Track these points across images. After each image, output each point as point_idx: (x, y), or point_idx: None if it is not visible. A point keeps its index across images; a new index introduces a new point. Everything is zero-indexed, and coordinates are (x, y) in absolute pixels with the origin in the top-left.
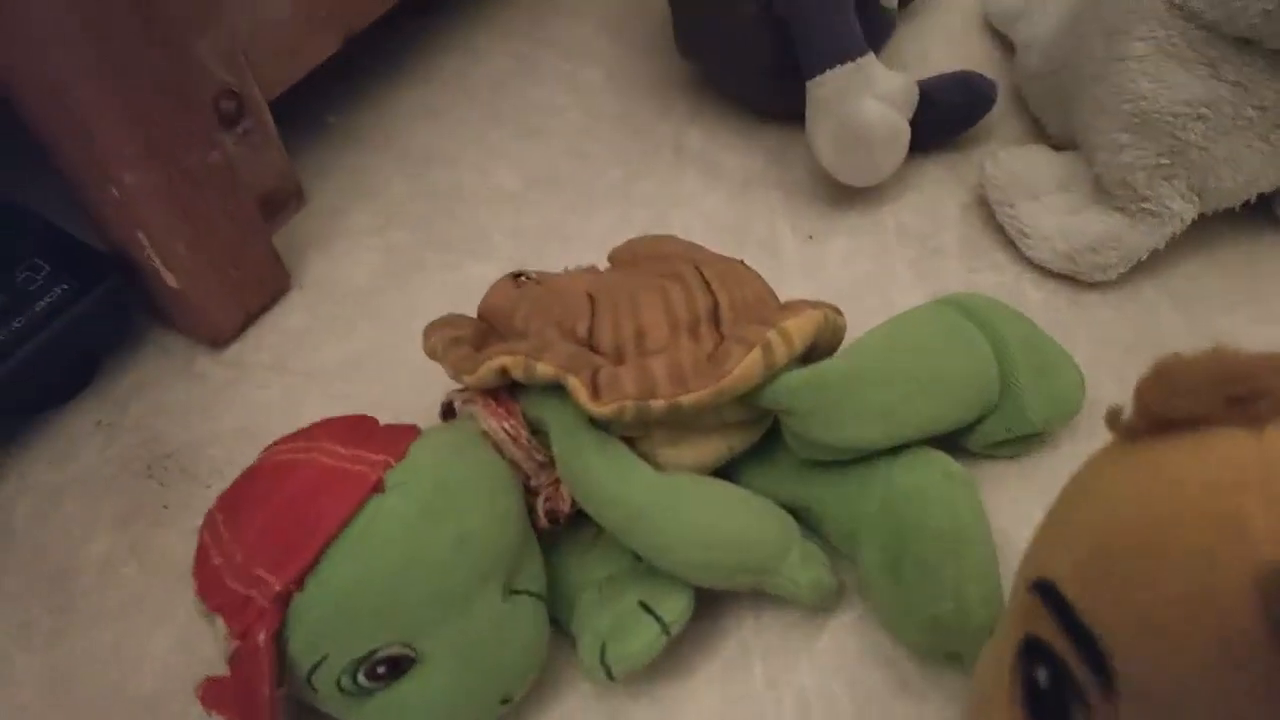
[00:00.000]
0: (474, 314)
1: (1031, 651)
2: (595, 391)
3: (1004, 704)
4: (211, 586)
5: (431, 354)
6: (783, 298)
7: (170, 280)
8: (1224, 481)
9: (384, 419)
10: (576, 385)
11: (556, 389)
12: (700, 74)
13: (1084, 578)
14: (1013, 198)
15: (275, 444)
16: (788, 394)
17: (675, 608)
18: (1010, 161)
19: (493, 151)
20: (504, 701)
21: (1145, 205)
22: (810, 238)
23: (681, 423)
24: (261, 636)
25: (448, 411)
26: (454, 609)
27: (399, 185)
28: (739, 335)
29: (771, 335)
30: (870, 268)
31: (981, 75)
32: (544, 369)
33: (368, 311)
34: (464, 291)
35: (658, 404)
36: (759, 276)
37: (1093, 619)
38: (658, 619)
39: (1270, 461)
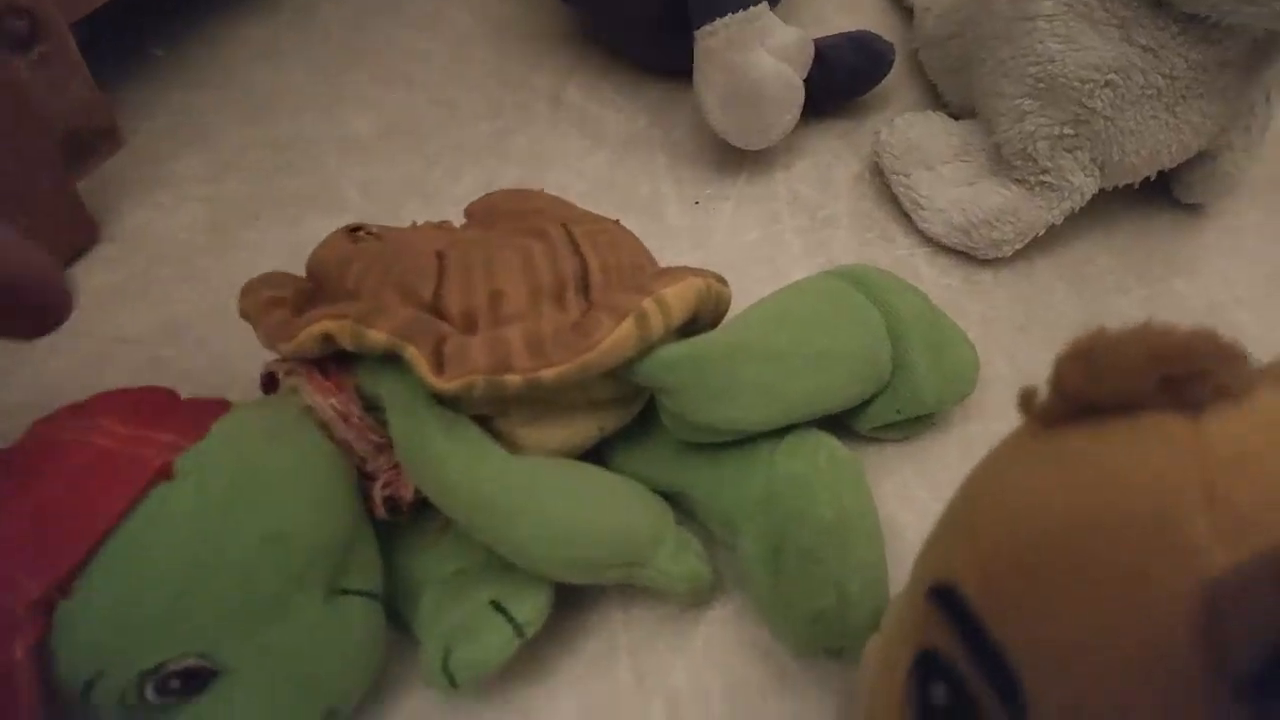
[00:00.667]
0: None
1: (927, 665)
2: (439, 364)
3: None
4: None
5: (245, 316)
6: (664, 265)
7: None
8: (1158, 477)
9: (203, 395)
10: (416, 356)
11: (395, 360)
12: (582, 23)
13: (992, 585)
14: (908, 167)
15: (44, 420)
16: (664, 369)
17: (531, 607)
18: (906, 129)
19: (345, 96)
20: (328, 715)
21: (1045, 178)
22: (696, 203)
23: (543, 400)
24: (18, 651)
25: (268, 383)
26: (261, 616)
27: (234, 130)
28: (610, 303)
29: (647, 304)
30: (758, 236)
31: (879, 36)
32: (376, 336)
33: (191, 271)
34: (303, 251)
35: (513, 379)
36: (636, 239)
37: (1001, 633)
38: (510, 619)
39: (1211, 453)
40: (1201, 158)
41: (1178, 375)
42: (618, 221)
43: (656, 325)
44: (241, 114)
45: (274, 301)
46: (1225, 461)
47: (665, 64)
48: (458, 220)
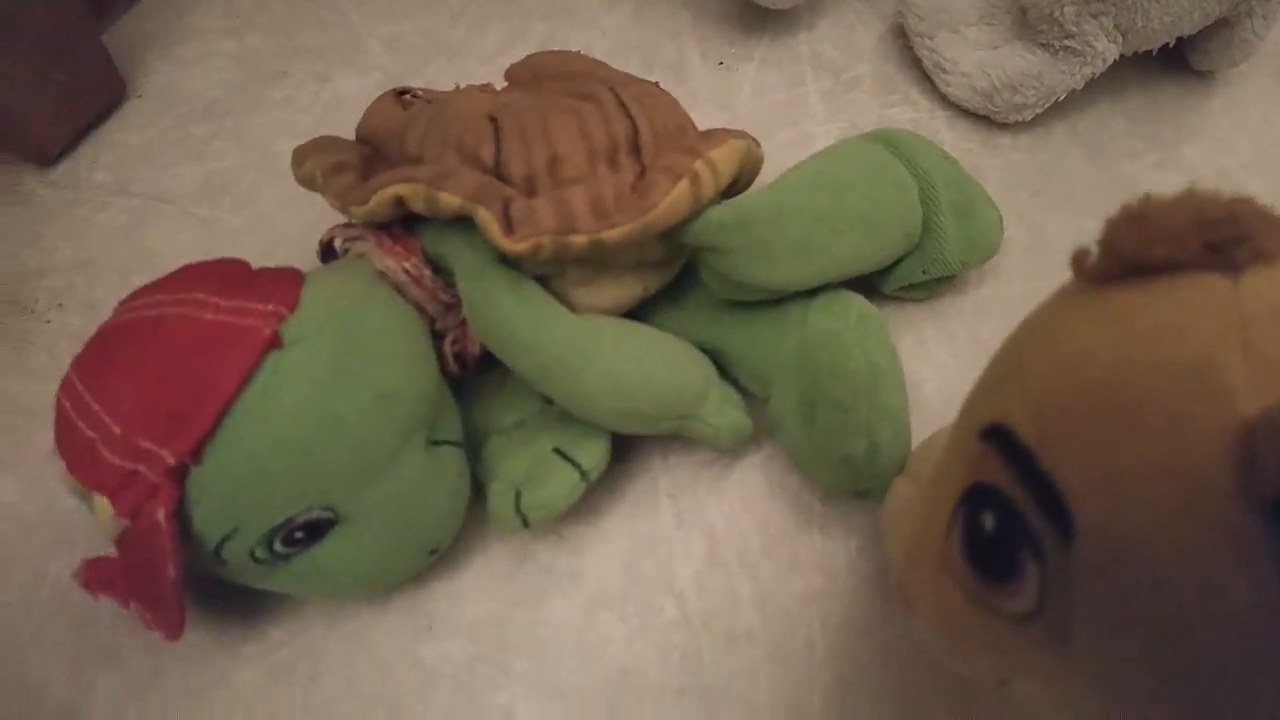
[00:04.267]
0: (350, 136)
1: (977, 497)
2: (509, 226)
3: (937, 551)
4: (85, 463)
5: (308, 182)
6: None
7: None
8: (1199, 330)
9: (251, 254)
10: (488, 219)
11: (461, 223)
12: None
13: (1044, 425)
14: (933, 29)
15: (130, 298)
16: (716, 230)
17: (594, 454)
18: None
19: None
20: (431, 552)
21: (1070, 43)
22: (720, 64)
23: (600, 261)
24: (160, 514)
25: (328, 252)
26: (375, 468)
27: None
28: (664, 165)
29: (699, 165)
30: (783, 98)
31: None
32: (449, 199)
33: (223, 129)
34: (335, 109)
35: (579, 239)
36: (676, 102)
37: (1052, 465)
38: (576, 465)
39: (1248, 308)
40: (1220, 24)
41: (1221, 239)
42: (657, 83)
43: (708, 186)
44: None
45: (339, 166)
46: (1261, 316)
47: None
48: (491, 79)
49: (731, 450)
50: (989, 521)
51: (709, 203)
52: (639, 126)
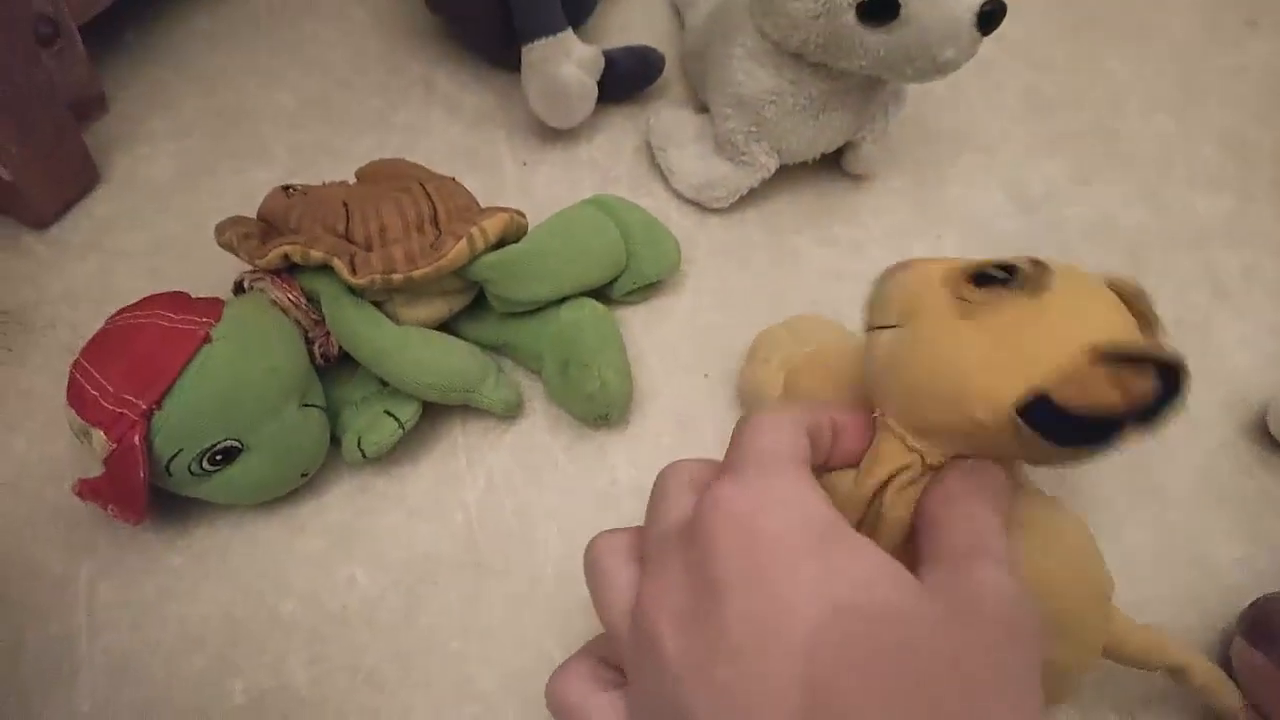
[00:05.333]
0: (253, 214)
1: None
2: (353, 269)
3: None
4: (89, 408)
5: (227, 246)
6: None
7: (3, 174)
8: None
9: (189, 291)
10: (340, 266)
11: (325, 269)
12: (447, 25)
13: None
14: (665, 144)
15: (118, 313)
16: (486, 268)
17: (408, 412)
18: (666, 118)
19: (273, 75)
20: (303, 475)
21: (744, 158)
22: (525, 164)
23: (414, 290)
24: (136, 438)
25: (239, 288)
26: (269, 416)
27: (191, 100)
28: (452, 230)
29: (474, 230)
30: (566, 189)
31: (653, 49)
32: (316, 254)
33: (168, 206)
34: (248, 194)
35: (397, 276)
36: (467, 190)
37: None
38: (396, 419)
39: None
40: (850, 145)
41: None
42: (454, 178)
43: (479, 242)
44: (196, 87)
45: (247, 234)
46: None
47: (507, 62)
48: (350, 178)
49: (507, 416)
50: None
51: (483, 252)
52: (437, 206)
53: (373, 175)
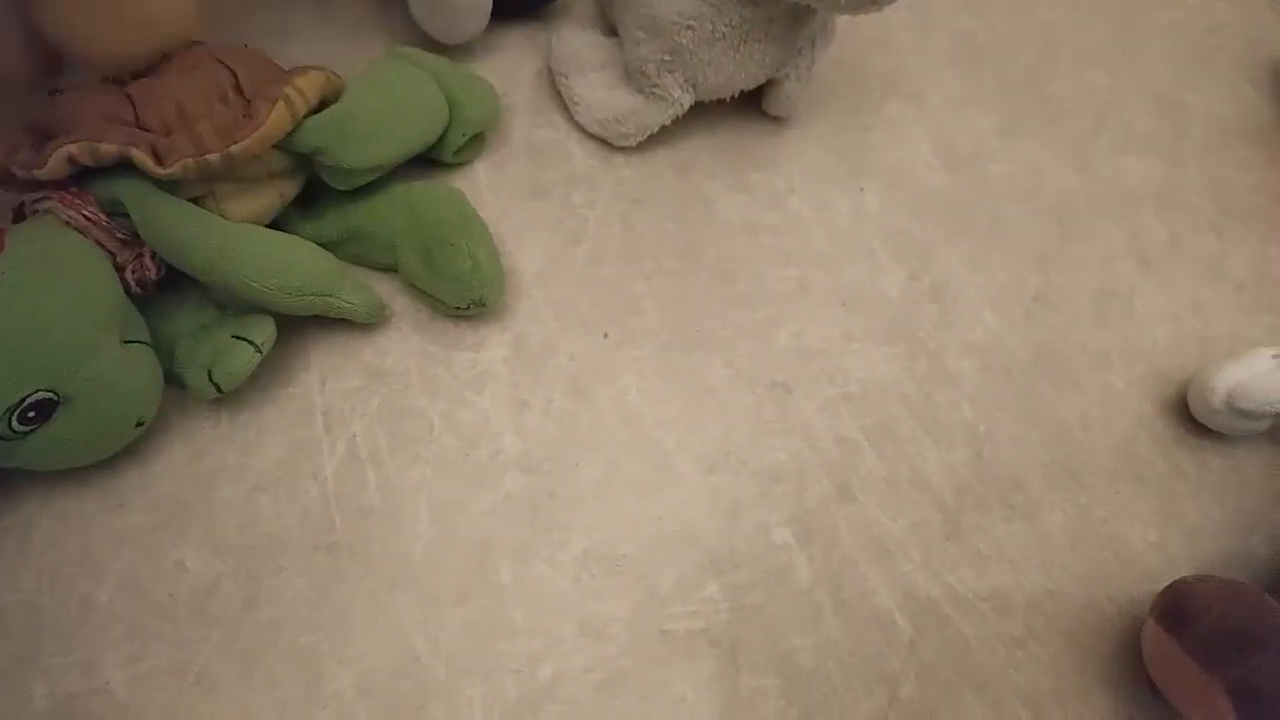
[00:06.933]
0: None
1: None
2: (158, 159)
3: None
4: None
5: None
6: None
7: None
8: None
9: None
10: (140, 157)
11: (122, 169)
12: None
13: None
14: (567, 70)
15: None
16: (313, 134)
17: (263, 331)
18: (570, 40)
19: None
20: (139, 424)
21: (656, 90)
22: None
23: (237, 175)
24: None
25: (18, 214)
26: (84, 355)
27: None
28: (263, 93)
29: (289, 90)
30: None
31: None
32: (107, 148)
33: None
34: None
35: (213, 157)
36: (263, 52)
37: None
38: (251, 343)
39: None
40: (771, 83)
41: None
42: (246, 45)
43: (300, 105)
44: None
45: (15, 148)
46: None
47: None
48: None
49: (371, 322)
50: None
51: (305, 116)
52: (237, 72)
53: (156, 68)
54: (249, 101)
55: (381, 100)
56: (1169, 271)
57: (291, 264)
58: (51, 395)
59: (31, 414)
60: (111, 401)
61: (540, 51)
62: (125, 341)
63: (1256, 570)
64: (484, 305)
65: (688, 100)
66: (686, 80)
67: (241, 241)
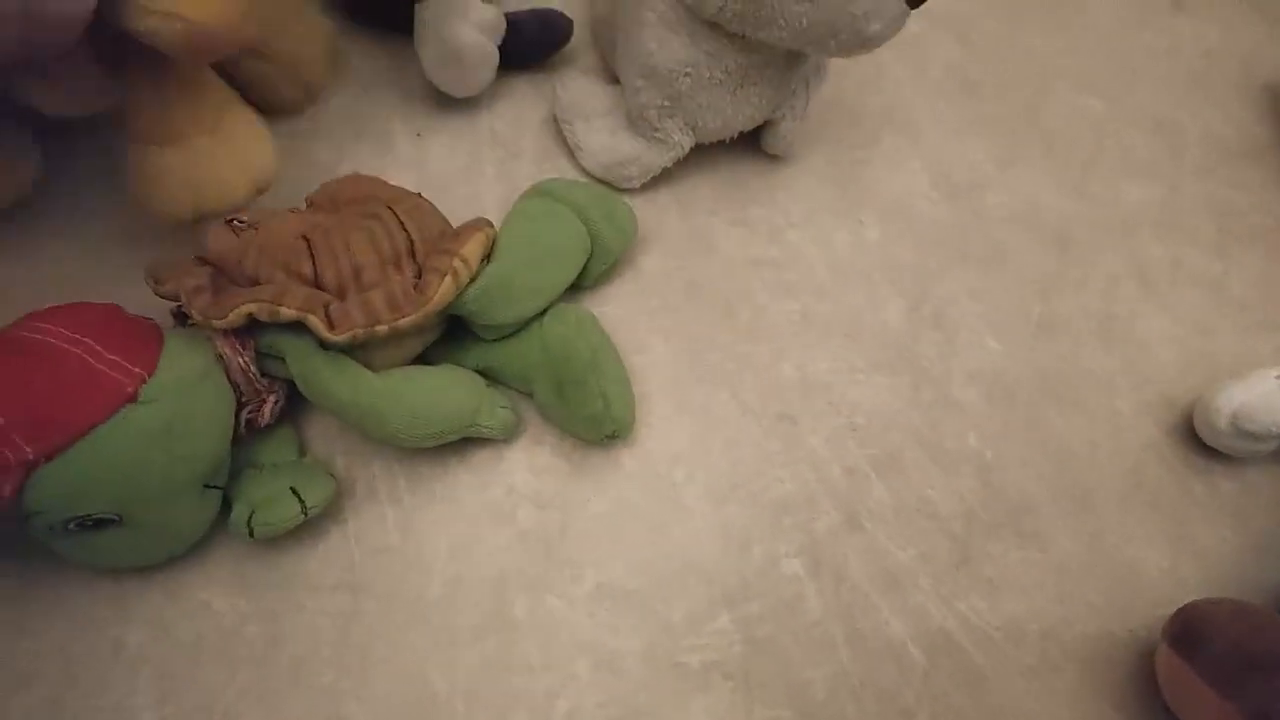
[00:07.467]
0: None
1: None
2: (330, 324)
3: None
4: None
5: (171, 298)
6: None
7: None
8: None
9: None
10: (315, 323)
11: (294, 324)
12: None
13: None
14: (571, 117)
15: (31, 317)
16: (472, 302)
17: (317, 495)
18: (574, 88)
19: None
20: (169, 556)
21: (657, 135)
22: (418, 135)
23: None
24: (7, 489)
25: (181, 317)
26: (166, 501)
27: None
28: (433, 266)
29: (456, 263)
30: (464, 164)
31: (560, 13)
32: (287, 312)
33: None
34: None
35: (381, 328)
36: (435, 208)
37: None
38: (301, 501)
39: None
40: (768, 123)
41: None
42: (420, 194)
43: (464, 276)
44: None
45: (198, 289)
46: None
47: (402, 25)
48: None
49: (506, 438)
50: None
51: (468, 285)
52: (413, 237)
53: (330, 199)
54: (420, 269)
55: (531, 251)
56: (1171, 294)
57: (439, 413)
58: (115, 518)
59: (90, 524)
60: (163, 538)
61: (546, 99)
62: (206, 486)
63: (1270, 593)
64: (616, 439)
65: (688, 143)
66: (687, 124)
67: (393, 403)
